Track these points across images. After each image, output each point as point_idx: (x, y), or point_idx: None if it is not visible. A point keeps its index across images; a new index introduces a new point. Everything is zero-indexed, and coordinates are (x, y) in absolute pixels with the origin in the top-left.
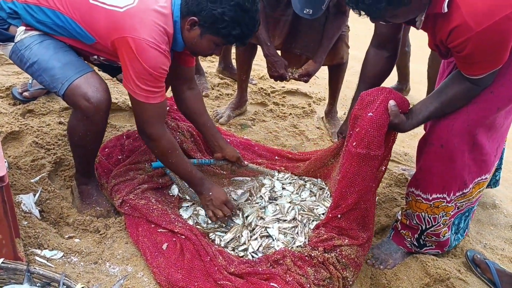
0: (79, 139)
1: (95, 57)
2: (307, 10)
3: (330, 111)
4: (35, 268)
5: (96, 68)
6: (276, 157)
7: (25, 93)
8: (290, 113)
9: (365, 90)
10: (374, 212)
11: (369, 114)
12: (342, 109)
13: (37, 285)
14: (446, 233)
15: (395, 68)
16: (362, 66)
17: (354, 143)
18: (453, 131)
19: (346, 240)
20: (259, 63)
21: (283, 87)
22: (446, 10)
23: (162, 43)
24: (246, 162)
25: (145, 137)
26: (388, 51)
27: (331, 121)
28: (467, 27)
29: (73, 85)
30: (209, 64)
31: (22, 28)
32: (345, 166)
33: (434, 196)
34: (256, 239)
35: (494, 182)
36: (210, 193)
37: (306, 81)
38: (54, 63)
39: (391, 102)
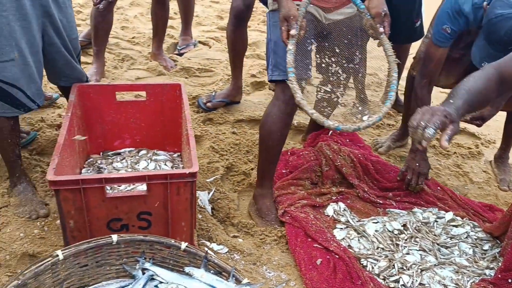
0: (273, 133)
1: None
2: (485, 64)
3: (501, 156)
4: (211, 257)
5: None
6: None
7: (208, 104)
8: (455, 152)
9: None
10: None
11: None
12: None
13: (211, 272)
14: None
15: None
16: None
17: None
18: None
19: None
20: None
21: None
22: None
23: None
24: (382, 30)
25: None
26: None
27: (501, 167)
28: None
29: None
30: (373, 93)
31: None
32: None
33: None
34: (409, 275)
35: None
36: None
37: (479, 126)
38: (285, 56)
39: None
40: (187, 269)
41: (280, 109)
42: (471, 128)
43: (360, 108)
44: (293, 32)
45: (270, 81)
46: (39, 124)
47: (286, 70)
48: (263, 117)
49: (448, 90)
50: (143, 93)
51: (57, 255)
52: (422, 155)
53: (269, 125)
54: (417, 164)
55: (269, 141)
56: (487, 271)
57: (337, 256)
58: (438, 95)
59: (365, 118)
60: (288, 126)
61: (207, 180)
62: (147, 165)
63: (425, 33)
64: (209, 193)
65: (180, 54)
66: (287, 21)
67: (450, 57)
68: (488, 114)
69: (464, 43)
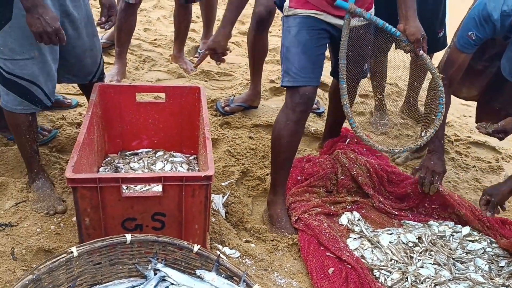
0: (282, 139)
1: None
2: None
3: None
4: (223, 261)
5: None
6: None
7: (226, 108)
8: (474, 166)
9: None
10: None
11: None
12: None
13: (222, 276)
14: None
15: None
16: None
17: None
18: None
19: None
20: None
21: (469, 137)
22: None
23: None
24: (422, 53)
25: None
26: None
27: None
28: None
29: (296, 88)
30: (393, 103)
31: (287, 3)
32: None
33: None
34: None
35: None
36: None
37: (501, 139)
38: (294, 63)
39: None
40: (198, 272)
41: (288, 116)
42: (492, 142)
43: (378, 117)
44: (218, 63)
45: (282, 86)
46: (60, 122)
47: (349, 120)
48: (274, 123)
49: (469, 103)
50: (163, 95)
51: (72, 252)
52: (439, 155)
53: (277, 132)
54: (432, 163)
55: (278, 147)
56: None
57: (349, 266)
58: (458, 107)
59: (423, 134)
60: (295, 133)
61: (222, 184)
62: (164, 166)
63: (449, 43)
64: (223, 196)
65: None
66: (215, 52)
67: (473, 69)
68: (511, 128)
69: (488, 55)
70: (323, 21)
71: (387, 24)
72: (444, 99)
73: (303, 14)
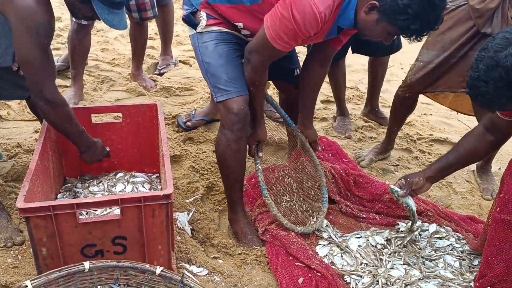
0: (226, 160)
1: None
2: None
3: (484, 166)
4: (187, 281)
5: None
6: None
7: (188, 123)
8: None
9: (452, 159)
10: None
11: None
12: (497, 164)
13: None
14: None
15: None
16: (463, 138)
17: (498, 209)
18: None
19: None
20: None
21: (431, 134)
22: None
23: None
24: (319, 148)
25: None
26: (495, 137)
27: (483, 176)
28: None
29: (229, 101)
30: (354, 107)
31: (204, 22)
32: (490, 232)
33: None
34: None
35: None
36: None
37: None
38: (222, 75)
39: None
40: None
41: (227, 136)
42: (453, 138)
43: (341, 121)
44: (261, 154)
45: (217, 102)
46: (15, 150)
47: (260, 186)
48: (215, 145)
49: (429, 101)
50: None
51: (26, 286)
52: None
53: (220, 154)
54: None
55: (225, 169)
56: (473, 284)
57: (319, 274)
58: (419, 106)
59: (314, 220)
60: (238, 151)
61: (187, 201)
62: (124, 188)
63: (403, 46)
64: (188, 214)
65: (161, 74)
66: (260, 143)
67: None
68: None
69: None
70: (236, 36)
71: (293, 124)
72: (326, 189)
73: (217, 30)
